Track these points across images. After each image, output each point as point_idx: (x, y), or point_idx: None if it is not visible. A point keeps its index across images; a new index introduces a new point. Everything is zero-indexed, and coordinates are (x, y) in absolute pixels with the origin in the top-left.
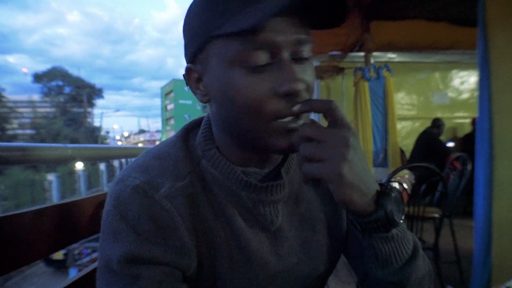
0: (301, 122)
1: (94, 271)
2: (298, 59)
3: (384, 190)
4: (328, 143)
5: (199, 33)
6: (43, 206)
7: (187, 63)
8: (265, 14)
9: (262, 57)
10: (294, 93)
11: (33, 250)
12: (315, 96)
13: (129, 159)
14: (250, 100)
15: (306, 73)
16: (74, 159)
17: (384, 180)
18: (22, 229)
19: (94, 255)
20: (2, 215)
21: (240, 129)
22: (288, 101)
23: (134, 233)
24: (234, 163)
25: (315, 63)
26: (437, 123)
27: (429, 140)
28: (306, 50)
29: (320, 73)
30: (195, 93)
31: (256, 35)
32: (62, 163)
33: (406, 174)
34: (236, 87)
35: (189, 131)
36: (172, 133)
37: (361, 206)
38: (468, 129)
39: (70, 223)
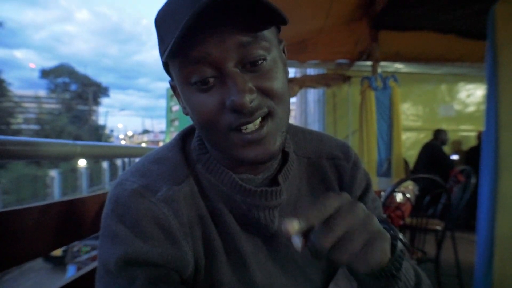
0: (263, 132)
1: (93, 270)
2: (248, 66)
3: (381, 222)
4: (352, 231)
5: (160, 56)
6: (48, 202)
7: (170, 78)
8: (177, 36)
9: (205, 73)
10: (239, 108)
11: (35, 246)
12: (321, 104)
13: (134, 159)
14: (203, 116)
15: (260, 78)
16: (83, 156)
17: (388, 190)
18: (25, 225)
19: (93, 253)
20: (6, 210)
21: (209, 141)
22: (239, 113)
23: (131, 236)
24: (227, 169)
25: (322, 70)
26: (440, 135)
27: (433, 152)
28: (256, 53)
29: (327, 81)
30: (180, 105)
31: (190, 53)
32: (70, 160)
33: (410, 185)
34: (192, 105)
35: (186, 136)
36: (175, 134)
37: (387, 258)
38: (473, 142)
39: (74, 220)
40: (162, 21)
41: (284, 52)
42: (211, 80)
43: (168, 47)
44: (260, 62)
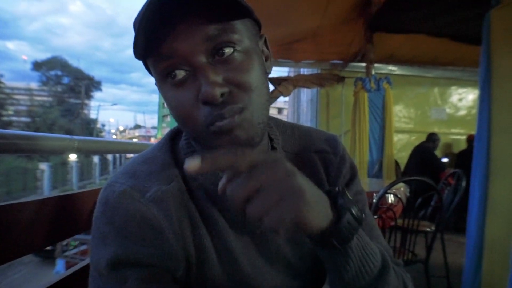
0: (236, 121)
1: (83, 268)
2: (218, 58)
3: (335, 193)
4: (268, 186)
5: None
6: (42, 197)
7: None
8: (137, 29)
9: (176, 68)
10: (210, 100)
11: (30, 241)
12: (314, 104)
13: (127, 155)
14: (179, 112)
15: (231, 71)
16: (81, 151)
17: (380, 192)
18: (19, 220)
19: (82, 247)
20: (2, 203)
21: (190, 136)
22: (212, 106)
23: (121, 237)
24: None
25: (316, 70)
26: (432, 138)
27: (424, 154)
28: (226, 44)
29: (321, 81)
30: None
31: (159, 50)
32: (68, 154)
33: (401, 187)
34: (168, 101)
35: (175, 135)
36: (167, 130)
37: (323, 224)
38: (463, 146)
39: (69, 215)
40: (134, 23)
41: (267, 47)
42: (183, 74)
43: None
44: (230, 52)
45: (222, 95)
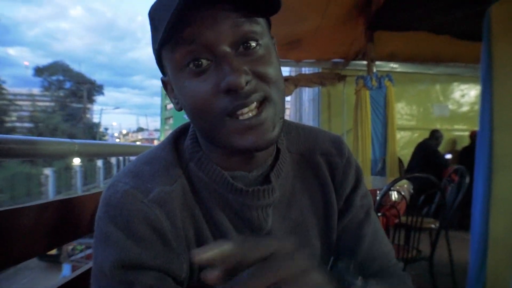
0: (262, 117)
1: (89, 270)
2: (242, 50)
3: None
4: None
5: (153, 48)
6: (45, 201)
7: (162, 75)
8: (171, 14)
9: (198, 55)
10: (235, 87)
11: (33, 246)
12: (315, 103)
13: (130, 157)
14: (197, 101)
15: (254, 62)
16: (81, 155)
17: (384, 189)
18: (22, 224)
19: (88, 251)
20: (3, 209)
21: (203, 131)
22: (234, 96)
23: (124, 237)
24: (221, 167)
25: (317, 69)
26: (435, 135)
27: (428, 151)
28: (249, 35)
29: (322, 80)
30: (172, 102)
31: (183, 35)
32: (68, 158)
33: (405, 184)
34: (186, 91)
35: (179, 135)
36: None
37: None
38: (466, 142)
39: (71, 219)
40: (155, 11)
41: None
42: (204, 63)
43: (161, 31)
44: (253, 45)
45: (246, 83)
